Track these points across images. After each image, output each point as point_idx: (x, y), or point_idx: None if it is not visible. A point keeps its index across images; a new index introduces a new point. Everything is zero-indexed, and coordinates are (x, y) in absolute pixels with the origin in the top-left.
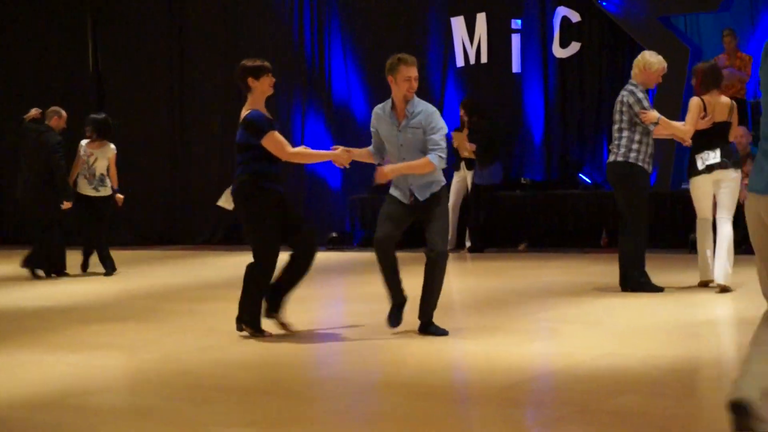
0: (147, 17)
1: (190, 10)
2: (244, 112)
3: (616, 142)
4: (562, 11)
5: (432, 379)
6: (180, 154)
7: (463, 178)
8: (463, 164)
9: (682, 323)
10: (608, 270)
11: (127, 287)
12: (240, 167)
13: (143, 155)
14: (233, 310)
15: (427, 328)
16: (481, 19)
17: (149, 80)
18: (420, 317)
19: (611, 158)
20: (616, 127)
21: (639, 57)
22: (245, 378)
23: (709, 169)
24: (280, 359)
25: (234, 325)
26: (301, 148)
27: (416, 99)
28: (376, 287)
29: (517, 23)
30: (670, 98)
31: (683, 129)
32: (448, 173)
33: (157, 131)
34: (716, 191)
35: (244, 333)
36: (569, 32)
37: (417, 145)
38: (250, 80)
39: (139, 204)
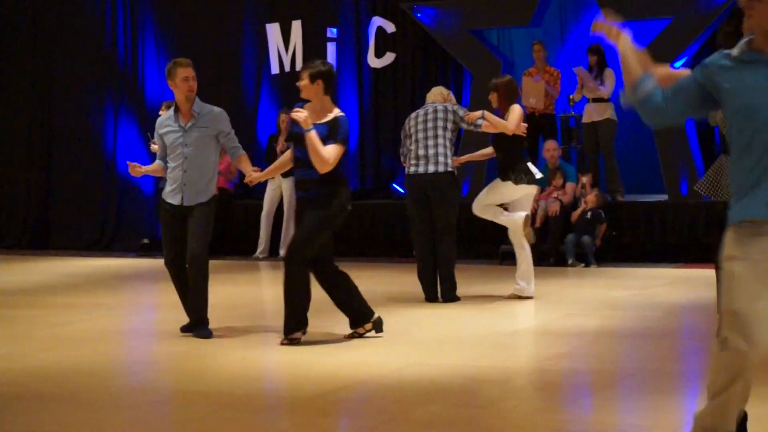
0: None
1: None
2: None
3: (437, 151)
4: (377, 21)
5: (238, 388)
6: None
7: (278, 186)
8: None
9: (489, 333)
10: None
11: None
12: None
13: None
14: (40, 317)
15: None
16: (296, 26)
17: None
18: (190, 315)
19: (432, 168)
20: (440, 139)
21: (443, 90)
22: (43, 387)
23: (535, 181)
24: (81, 368)
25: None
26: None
27: (199, 101)
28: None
29: (332, 32)
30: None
31: (508, 124)
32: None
33: None
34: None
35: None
36: (384, 42)
37: (202, 144)
38: None
39: None
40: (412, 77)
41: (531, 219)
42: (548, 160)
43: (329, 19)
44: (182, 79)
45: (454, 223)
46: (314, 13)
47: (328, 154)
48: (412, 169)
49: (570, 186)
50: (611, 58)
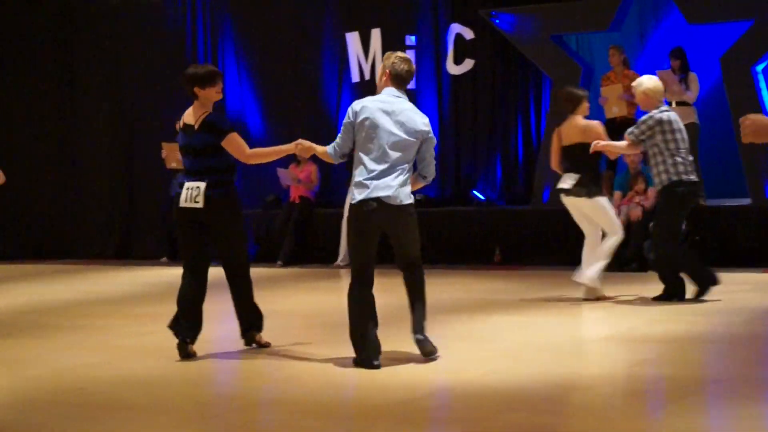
0: (33, 24)
1: (78, 19)
2: (197, 116)
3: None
4: (455, 28)
5: (323, 396)
6: (69, 165)
7: None
8: None
9: (572, 340)
10: (500, 287)
11: (14, 302)
12: (199, 176)
13: (31, 166)
14: (124, 326)
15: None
16: (375, 34)
17: (36, 89)
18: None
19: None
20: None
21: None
22: (134, 396)
23: (558, 192)
24: (171, 377)
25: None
26: (257, 149)
27: None
28: (269, 303)
29: (411, 39)
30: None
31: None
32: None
33: (45, 142)
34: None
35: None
36: (463, 49)
37: None
38: (197, 89)
39: (28, 217)
40: (492, 84)
41: None
42: (629, 165)
43: (408, 26)
44: None
45: None
46: (393, 21)
47: None
48: (694, 176)
49: (652, 191)
50: (694, 61)
